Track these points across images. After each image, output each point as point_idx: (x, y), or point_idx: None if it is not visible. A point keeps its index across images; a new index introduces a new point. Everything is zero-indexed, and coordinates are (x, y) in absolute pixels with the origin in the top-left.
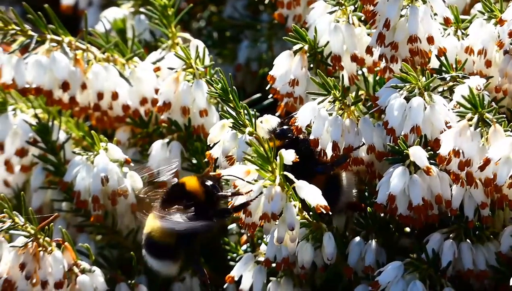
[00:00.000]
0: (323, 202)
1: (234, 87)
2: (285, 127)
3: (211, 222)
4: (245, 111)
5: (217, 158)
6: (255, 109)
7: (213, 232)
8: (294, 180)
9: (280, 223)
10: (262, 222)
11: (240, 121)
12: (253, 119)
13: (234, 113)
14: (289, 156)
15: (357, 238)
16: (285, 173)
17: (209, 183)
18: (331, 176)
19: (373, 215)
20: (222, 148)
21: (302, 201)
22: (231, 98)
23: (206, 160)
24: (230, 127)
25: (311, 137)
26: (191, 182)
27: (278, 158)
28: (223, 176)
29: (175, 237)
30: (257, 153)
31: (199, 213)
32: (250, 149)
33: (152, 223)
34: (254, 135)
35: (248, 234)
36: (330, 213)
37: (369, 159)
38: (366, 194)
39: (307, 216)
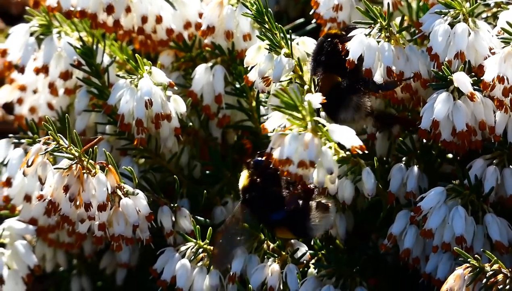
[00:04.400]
0: (358, 142)
1: (269, 9)
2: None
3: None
4: (282, 34)
5: (254, 81)
6: (294, 35)
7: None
8: (326, 124)
9: (318, 167)
10: (300, 169)
11: (275, 43)
12: (289, 41)
13: (269, 35)
14: (316, 99)
15: (399, 164)
16: (316, 118)
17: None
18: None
19: (415, 141)
20: (258, 69)
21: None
22: (266, 19)
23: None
24: (267, 49)
25: (364, 67)
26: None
27: (307, 104)
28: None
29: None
30: (285, 103)
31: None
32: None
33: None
34: (289, 58)
35: None
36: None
37: (413, 85)
38: None
39: (344, 154)
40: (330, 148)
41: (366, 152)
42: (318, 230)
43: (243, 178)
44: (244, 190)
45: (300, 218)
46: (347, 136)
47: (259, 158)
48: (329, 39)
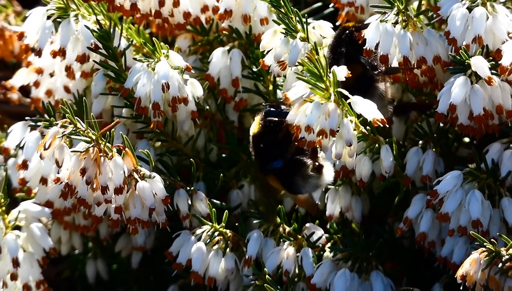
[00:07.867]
0: (379, 116)
1: None
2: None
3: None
4: (297, 18)
5: (270, 65)
6: (311, 19)
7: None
8: (349, 95)
9: (337, 139)
10: (319, 138)
11: (291, 27)
12: (305, 25)
13: (285, 19)
14: (341, 72)
15: (415, 147)
16: (339, 89)
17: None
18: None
19: (431, 125)
20: (274, 53)
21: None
22: (282, 3)
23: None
24: (282, 33)
25: (380, 53)
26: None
27: (331, 75)
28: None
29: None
30: (310, 72)
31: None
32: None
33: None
34: (306, 42)
35: None
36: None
37: (434, 68)
38: None
39: (363, 130)
40: (351, 121)
41: (387, 125)
42: (304, 187)
43: (254, 125)
44: (254, 136)
45: (291, 171)
46: (369, 109)
47: (272, 109)
48: (347, 31)
